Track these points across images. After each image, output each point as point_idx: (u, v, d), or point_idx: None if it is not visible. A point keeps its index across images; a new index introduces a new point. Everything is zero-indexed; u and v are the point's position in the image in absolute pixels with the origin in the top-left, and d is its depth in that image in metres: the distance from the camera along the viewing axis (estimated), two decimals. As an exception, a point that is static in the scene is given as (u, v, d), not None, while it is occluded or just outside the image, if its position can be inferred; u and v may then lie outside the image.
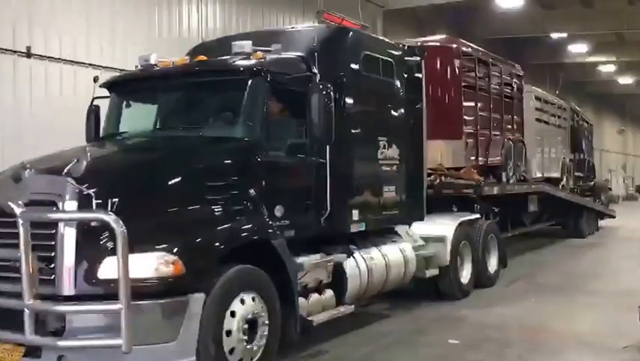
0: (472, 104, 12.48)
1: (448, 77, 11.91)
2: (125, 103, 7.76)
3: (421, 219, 9.64)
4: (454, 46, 12.12)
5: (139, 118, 7.71)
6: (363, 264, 8.14)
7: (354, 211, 7.98)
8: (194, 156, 6.55)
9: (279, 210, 6.88)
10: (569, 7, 26.51)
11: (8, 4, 11.28)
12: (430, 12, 21.59)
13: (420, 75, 9.63)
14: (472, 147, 12.33)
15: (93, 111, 8.10)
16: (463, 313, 9.43)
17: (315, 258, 7.36)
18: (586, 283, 12.11)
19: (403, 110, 9.12)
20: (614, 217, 23.34)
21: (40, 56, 11.57)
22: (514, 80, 14.91)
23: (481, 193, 11.56)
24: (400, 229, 9.55)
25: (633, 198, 50.02)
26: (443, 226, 10.34)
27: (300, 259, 7.04)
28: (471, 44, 12.90)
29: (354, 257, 8.03)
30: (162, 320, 5.39)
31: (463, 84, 12.15)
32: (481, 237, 11.23)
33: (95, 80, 7.94)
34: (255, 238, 6.34)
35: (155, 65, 7.55)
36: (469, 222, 11.08)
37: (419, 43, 11.79)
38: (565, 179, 18.26)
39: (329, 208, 7.53)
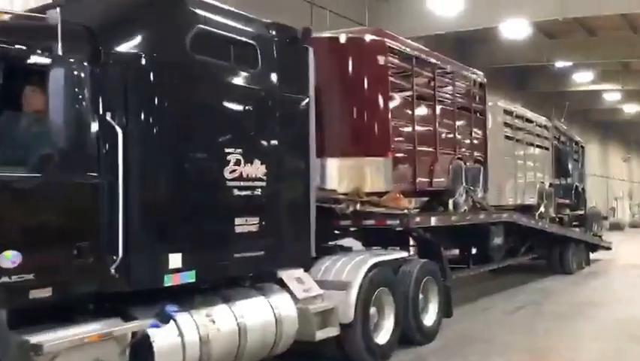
0: (408, 113, 9.92)
1: (372, 78, 9.31)
2: None
3: (306, 261, 7.11)
4: (381, 40, 9.49)
5: None
6: (192, 331, 5.61)
7: (172, 256, 5.49)
8: None
9: (8, 259, 4.41)
10: (574, 36, 26.49)
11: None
12: (433, 41, 20.38)
13: (306, 66, 7.16)
14: (405, 167, 9.71)
15: None
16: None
17: (83, 330, 4.82)
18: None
19: (275, 114, 6.67)
20: (609, 249, 20.71)
21: None
22: (474, 88, 12.31)
23: (408, 225, 8.96)
24: (286, 274, 7.04)
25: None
26: (348, 269, 7.75)
27: (48, 335, 4.53)
28: (408, 41, 10.37)
29: (175, 322, 5.50)
30: None
31: (394, 88, 9.63)
32: (412, 281, 8.64)
33: None
34: None
35: None
36: (391, 262, 8.50)
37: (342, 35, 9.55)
38: (543, 207, 15.60)
39: (121, 253, 5.05)
